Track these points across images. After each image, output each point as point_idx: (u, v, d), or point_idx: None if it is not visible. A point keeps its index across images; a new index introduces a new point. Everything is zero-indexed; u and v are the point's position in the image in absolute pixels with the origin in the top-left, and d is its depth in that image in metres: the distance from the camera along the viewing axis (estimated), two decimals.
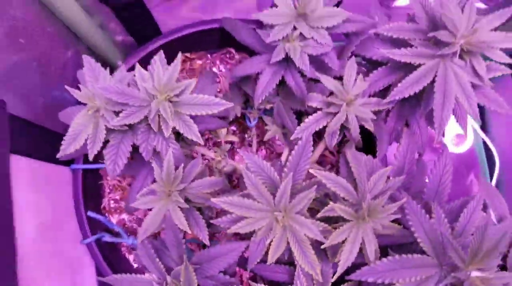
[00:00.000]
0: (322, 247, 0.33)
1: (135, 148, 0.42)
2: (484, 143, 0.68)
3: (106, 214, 0.56)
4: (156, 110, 0.37)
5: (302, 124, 0.40)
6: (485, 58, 0.40)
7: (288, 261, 0.39)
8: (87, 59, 0.41)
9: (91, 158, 0.39)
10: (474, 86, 0.41)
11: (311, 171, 0.35)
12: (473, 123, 0.65)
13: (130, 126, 0.40)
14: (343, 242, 0.34)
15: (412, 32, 0.40)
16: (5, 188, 0.39)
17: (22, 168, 0.42)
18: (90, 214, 0.51)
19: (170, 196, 0.38)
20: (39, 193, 0.46)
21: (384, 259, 0.33)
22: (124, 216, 0.57)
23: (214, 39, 0.58)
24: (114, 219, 0.57)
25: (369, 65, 0.45)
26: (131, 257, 0.57)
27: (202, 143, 0.39)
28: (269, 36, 0.41)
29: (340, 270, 0.34)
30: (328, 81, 0.40)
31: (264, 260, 0.37)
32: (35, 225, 0.44)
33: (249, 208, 0.34)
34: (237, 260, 0.38)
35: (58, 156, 0.39)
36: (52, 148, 0.43)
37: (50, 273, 0.46)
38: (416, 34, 0.40)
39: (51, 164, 0.48)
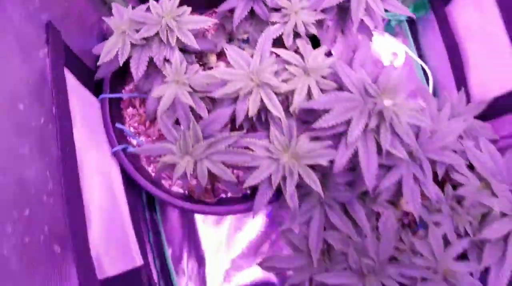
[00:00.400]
0: (282, 91, 0.51)
1: (152, 65, 0.59)
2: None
3: (128, 138, 0.73)
4: (165, 25, 0.55)
5: (264, 32, 0.58)
6: None
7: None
8: (115, 6, 0.59)
9: (121, 63, 0.56)
10: None
11: (273, 49, 0.53)
12: (406, 48, 0.85)
13: (147, 41, 0.57)
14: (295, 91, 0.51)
15: None
16: (65, 95, 0.55)
17: (71, 83, 0.59)
18: (118, 125, 0.68)
19: (178, 83, 0.55)
20: (84, 109, 0.62)
21: (324, 96, 0.50)
22: (142, 138, 0.73)
23: (201, 1, 0.77)
24: (133, 141, 0.73)
25: None
26: (149, 168, 0.73)
27: (197, 47, 0.56)
28: None
29: (294, 106, 0.51)
30: (282, 2, 0.59)
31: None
32: (84, 134, 0.60)
33: (231, 74, 0.51)
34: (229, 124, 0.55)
35: (99, 63, 0.56)
36: (88, 79, 0.60)
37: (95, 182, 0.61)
38: None
39: (86, 90, 0.65)
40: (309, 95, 0.52)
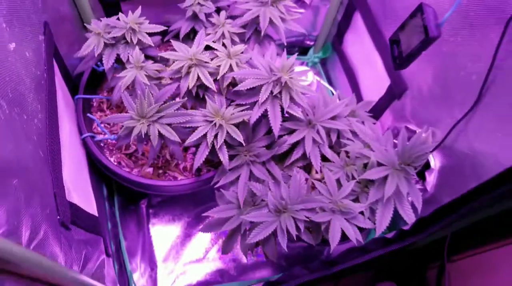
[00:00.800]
0: (213, 70, 0.72)
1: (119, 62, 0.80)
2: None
3: (94, 129, 0.90)
4: (129, 28, 0.77)
5: (200, 31, 0.82)
6: None
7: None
8: (94, 20, 0.82)
9: (96, 54, 0.77)
10: (282, 19, 0.86)
11: (206, 41, 0.76)
12: (318, 78, 1.11)
13: (116, 42, 0.79)
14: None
15: None
16: (52, 68, 0.73)
17: (56, 71, 0.78)
18: (89, 115, 0.85)
19: (137, 68, 0.76)
20: (63, 94, 0.80)
21: (241, 70, 0.72)
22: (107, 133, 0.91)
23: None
24: (100, 136, 0.90)
25: None
26: (112, 159, 0.89)
27: (152, 44, 0.78)
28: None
29: (223, 83, 0.72)
30: (214, 19, 0.84)
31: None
32: (62, 105, 0.77)
33: (177, 55, 0.73)
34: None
35: (79, 54, 0.76)
36: (67, 80, 0.80)
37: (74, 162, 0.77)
38: None
39: (65, 86, 0.84)
40: (231, 70, 0.74)
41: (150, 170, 0.91)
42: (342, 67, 1.14)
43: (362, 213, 0.77)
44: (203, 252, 1.09)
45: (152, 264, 1.04)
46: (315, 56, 1.22)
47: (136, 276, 1.02)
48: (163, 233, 1.09)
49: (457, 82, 0.71)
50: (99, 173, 0.93)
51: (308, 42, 1.23)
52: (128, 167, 0.91)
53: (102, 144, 0.91)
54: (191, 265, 1.06)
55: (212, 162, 0.90)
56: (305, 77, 1.06)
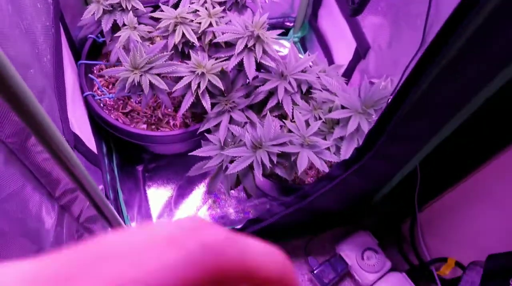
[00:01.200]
0: (195, 27, 0.85)
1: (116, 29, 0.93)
2: None
3: (94, 92, 1.02)
4: None
5: None
6: None
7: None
8: None
9: (96, 18, 0.89)
10: None
11: (192, 4, 0.88)
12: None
13: (113, 9, 0.92)
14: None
15: None
16: (59, 35, 0.86)
17: (62, 35, 0.90)
18: (90, 76, 0.97)
19: (131, 29, 0.89)
20: (67, 52, 0.93)
21: (220, 26, 0.85)
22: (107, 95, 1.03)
23: None
24: (100, 96, 1.02)
25: None
26: (111, 116, 1.01)
27: (144, 10, 0.91)
28: None
29: (204, 38, 0.85)
30: None
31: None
32: (66, 57, 0.90)
33: (164, 15, 0.86)
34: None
35: (81, 19, 0.89)
36: (70, 45, 0.93)
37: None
38: None
39: (69, 49, 0.96)
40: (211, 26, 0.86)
41: (144, 126, 1.02)
42: (318, 43, 1.26)
43: (328, 149, 0.88)
44: (194, 210, 1.20)
45: (148, 219, 1.14)
46: (295, 36, 1.35)
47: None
48: (158, 194, 1.19)
49: (407, 29, 0.83)
50: (99, 131, 1.05)
51: (288, 24, 1.36)
52: (124, 124, 1.02)
53: (101, 105, 1.03)
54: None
55: (199, 117, 1.02)
56: (283, 48, 1.19)
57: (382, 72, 0.95)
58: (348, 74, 1.09)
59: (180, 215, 1.17)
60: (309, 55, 1.03)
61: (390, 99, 0.63)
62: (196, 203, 1.20)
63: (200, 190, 1.23)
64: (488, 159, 0.80)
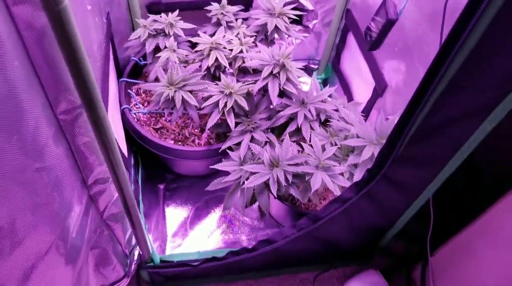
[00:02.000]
0: (227, 53, 0.94)
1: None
2: None
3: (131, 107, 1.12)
4: (168, 23, 1.02)
5: (219, 29, 1.05)
6: None
7: None
8: (140, 19, 1.07)
9: (142, 40, 1.00)
10: (286, 28, 1.09)
11: (224, 34, 0.99)
12: None
13: (156, 34, 1.03)
14: None
15: None
16: (108, 50, 0.97)
17: (110, 58, 1.02)
18: (129, 91, 1.07)
19: (171, 51, 0.99)
20: (111, 69, 1.03)
21: (250, 52, 0.94)
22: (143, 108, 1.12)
23: None
24: (135, 110, 1.11)
25: None
26: (144, 130, 1.09)
27: (184, 37, 1.02)
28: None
29: (235, 64, 0.94)
30: (233, 24, 1.08)
31: None
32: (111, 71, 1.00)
33: (201, 40, 0.96)
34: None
35: (128, 39, 1.00)
36: (115, 65, 1.04)
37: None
38: None
39: (114, 69, 1.07)
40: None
41: (172, 142, 1.10)
42: (339, 84, 1.34)
43: (342, 174, 0.92)
44: (208, 233, 1.23)
45: (163, 236, 1.18)
46: (318, 77, 1.44)
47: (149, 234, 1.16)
48: (175, 213, 1.24)
49: (422, 68, 0.90)
50: (130, 144, 1.13)
51: (312, 66, 1.45)
52: (154, 137, 1.10)
53: (136, 119, 1.12)
54: (197, 242, 1.19)
55: (222, 138, 1.09)
56: (305, 85, 1.27)
57: (398, 109, 1.01)
58: (366, 112, 1.16)
59: (194, 236, 1.20)
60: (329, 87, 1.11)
61: (397, 120, 0.68)
62: (211, 226, 1.23)
63: (215, 214, 1.27)
64: (502, 195, 0.81)
